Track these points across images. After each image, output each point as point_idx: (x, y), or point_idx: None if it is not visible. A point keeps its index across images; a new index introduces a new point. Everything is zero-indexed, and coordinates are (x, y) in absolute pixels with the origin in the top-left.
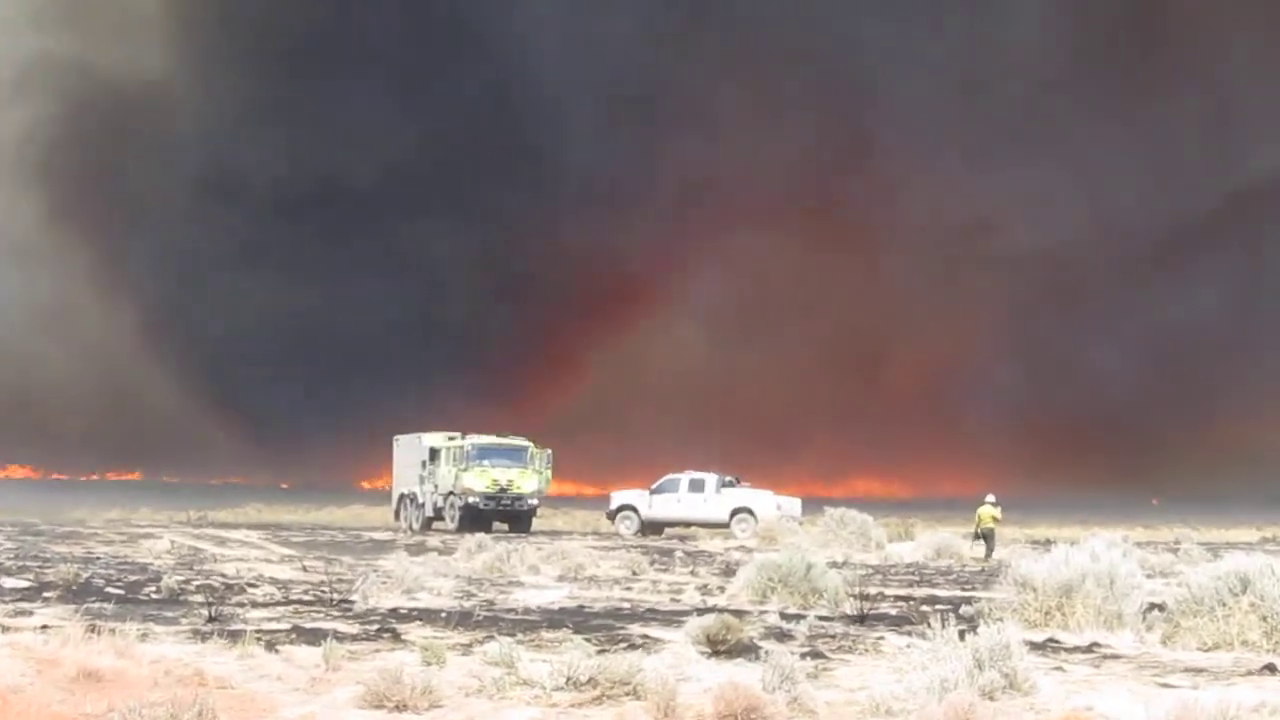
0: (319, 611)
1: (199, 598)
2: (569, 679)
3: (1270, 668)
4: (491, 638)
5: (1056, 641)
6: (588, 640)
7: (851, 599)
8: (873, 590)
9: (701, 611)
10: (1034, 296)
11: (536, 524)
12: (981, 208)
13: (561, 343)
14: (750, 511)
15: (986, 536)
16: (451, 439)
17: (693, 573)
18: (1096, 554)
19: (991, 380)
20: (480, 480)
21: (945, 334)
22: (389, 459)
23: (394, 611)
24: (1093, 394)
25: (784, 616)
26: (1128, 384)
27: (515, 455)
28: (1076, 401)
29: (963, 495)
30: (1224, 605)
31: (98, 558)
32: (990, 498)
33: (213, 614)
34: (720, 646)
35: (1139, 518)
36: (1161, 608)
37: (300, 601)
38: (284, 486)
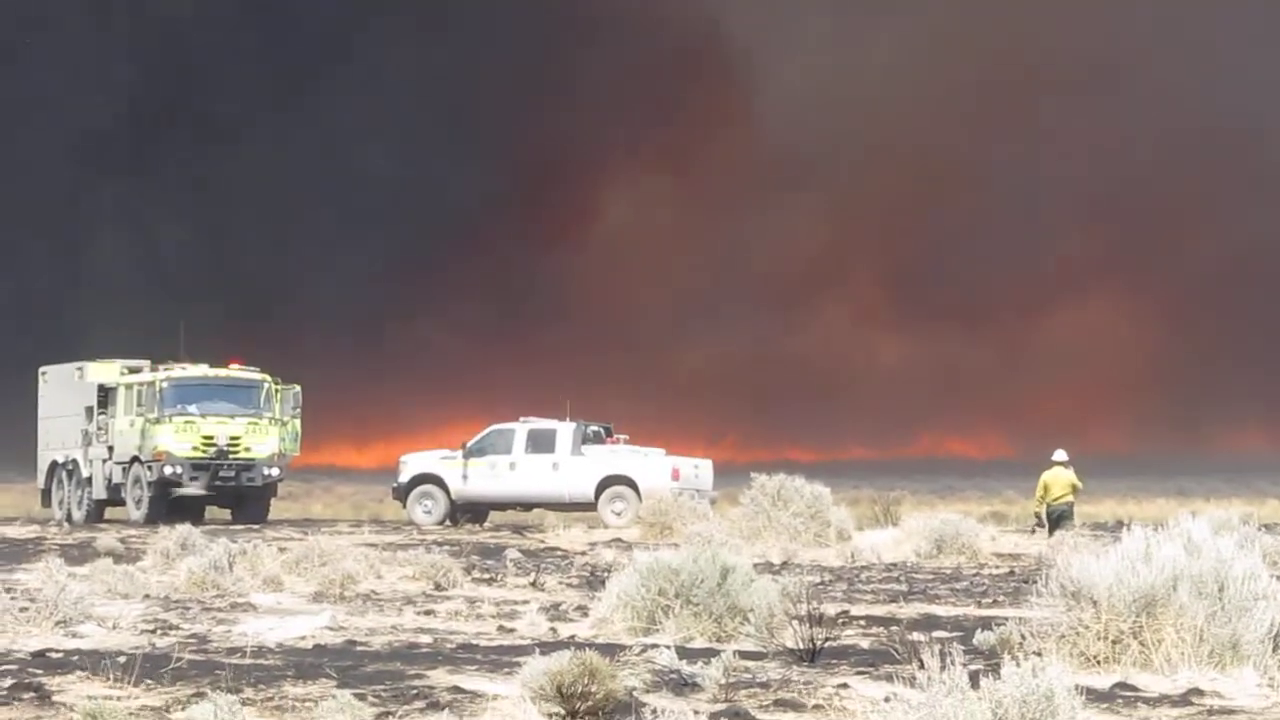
0: None
1: None
2: None
3: None
4: (203, 695)
5: (1131, 688)
6: (361, 698)
7: (796, 624)
8: (831, 609)
9: (548, 648)
10: None
11: (278, 508)
12: None
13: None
14: (631, 483)
15: (1061, 518)
16: (133, 371)
17: (535, 585)
18: (1196, 544)
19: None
20: (183, 439)
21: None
22: (30, 404)
23: (41, 655)
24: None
25: (684, 654)
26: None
27: (241, 396)
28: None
29: (980, 454)
30: None
31: None
32: (1060, 454)
33: None
34: (579, 704)
35: (1271, 482)
36: None
37: None
38: None
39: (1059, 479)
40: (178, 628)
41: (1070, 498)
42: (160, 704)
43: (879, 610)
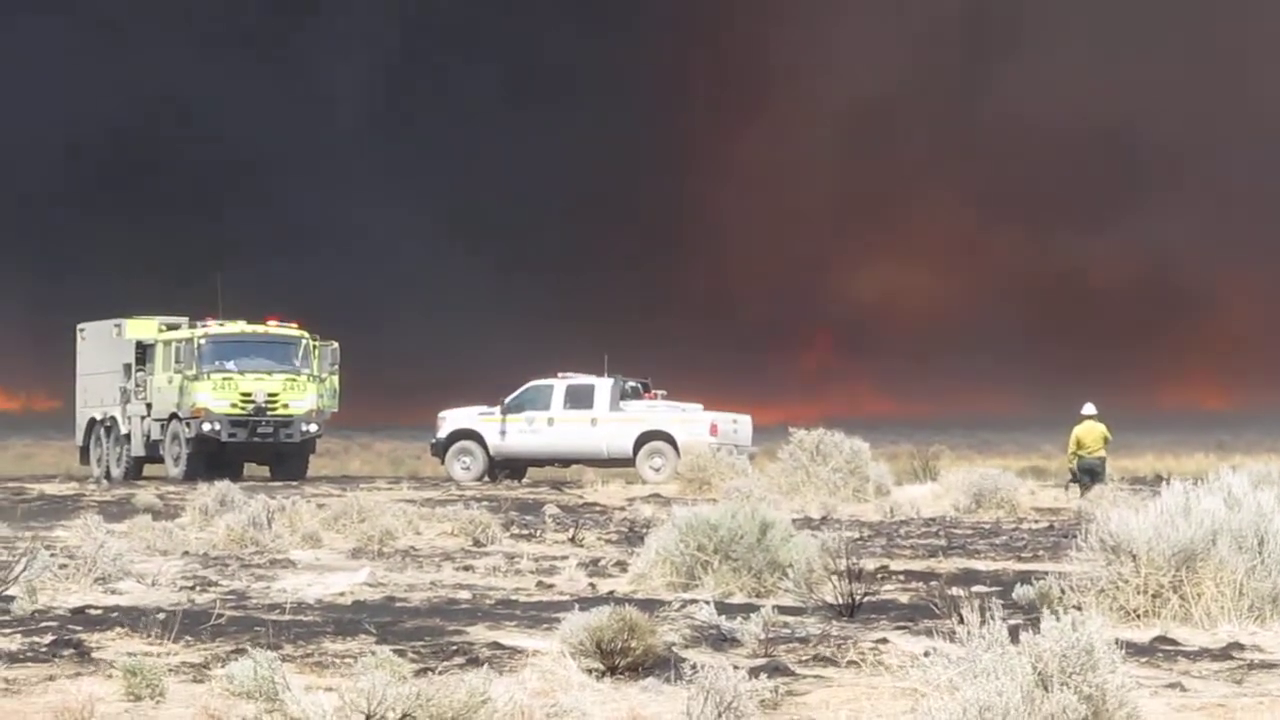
0: None
1: None
2: (370, 717)
3: None
4: (242, 652)
5: (1171, 642)
6: (400, 654)
7: (835, 579)
8: (871, 564)
9: (588, 604)
10: None
11: (316, 464)
12: None
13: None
14: (669, 439)
15: (1092, 472)
16: (172, 328)
17: (574, 540)
18: (1235, 497)
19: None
20: (222, 395)
21: None
22: (69, 362)
23: (80, 612)
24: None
25: (723, 609)
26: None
27: (279, 353)
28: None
29: (1010, 411)
30: None
31: None
32: (1090, 408)
33: None
34: (618, 660)
35: None
36: None
37: None
38: None
39: (1091, 432)
40: (216, 584)
41: (1103, 451)
42: (199, 660)
43: (918, 565)
